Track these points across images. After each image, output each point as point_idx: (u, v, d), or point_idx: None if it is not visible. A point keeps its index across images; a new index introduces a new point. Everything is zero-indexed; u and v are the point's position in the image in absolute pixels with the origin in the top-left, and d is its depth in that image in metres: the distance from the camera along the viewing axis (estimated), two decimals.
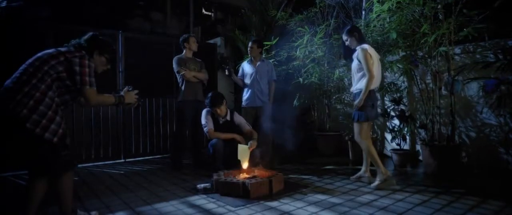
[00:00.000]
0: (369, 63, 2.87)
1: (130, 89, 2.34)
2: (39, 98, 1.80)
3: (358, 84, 3.00)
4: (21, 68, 1.89)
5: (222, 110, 3.55)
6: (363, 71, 2.93)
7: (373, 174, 3.14)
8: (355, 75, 3.06)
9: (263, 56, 4.44)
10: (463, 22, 3.24)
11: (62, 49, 1.99)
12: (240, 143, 3.51)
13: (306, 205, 2.50)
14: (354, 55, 3.04)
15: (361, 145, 3.07)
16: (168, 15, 10.30)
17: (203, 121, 3.61)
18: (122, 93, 2.28)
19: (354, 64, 3.05)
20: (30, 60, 1.91)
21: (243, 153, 3.19)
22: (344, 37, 3.12)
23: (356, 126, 3.03)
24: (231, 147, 3.53)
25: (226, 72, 4.05)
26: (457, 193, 2.69)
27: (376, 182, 2.94)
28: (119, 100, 2.20)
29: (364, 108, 2.94)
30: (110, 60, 2.22)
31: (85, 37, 2.12)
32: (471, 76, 3.52)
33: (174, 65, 3.87)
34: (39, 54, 1.94)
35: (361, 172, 3.21)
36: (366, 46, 2.96)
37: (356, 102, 2.96)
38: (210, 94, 3.57)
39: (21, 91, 1.78)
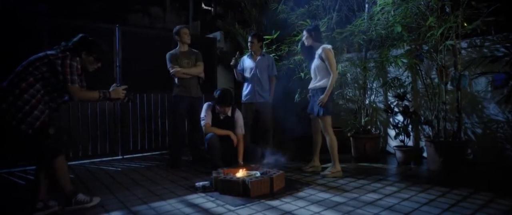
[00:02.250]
0: (333, 63, 3.13)
1: (118, 85, 2.49)
2: (18, 94, 2.04)
3: (322, 82, 3.22)
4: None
5: (227, 110, 3.47)
6: (326, 70, 3.17)
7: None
8: (318, 73, 3.25)
9: (264, 50, 4.33)
10: (471, 15, 3.13)
11: (49, 52, 2.20)
12: (234, 141, 3.44)
13: (308, 204, 2.41)
14: (317, 54, 3.23)
15: (328, 138, 3.28)
16: (167, 10, 10.19)
17: (202, 114, 3.52)
18: (110, 89, 2.45)
19: (317, 62, 3.24)
20: (23, 63, 2.16)
21: None
22: (304, 33, 3.34)
23: (323, 120, 3.25)
24: (228, 143, 3.45)
25: (232, 62, 3.94)
26: (464, 192, 2.61)
27: (327, 171, 3.25)
28: (103, 96, 2.38)
29: (327, 103, 3.18)
30: (98, 59, 2.39)
31: (74, 39, 2.31)
32: (477, 71, 3.42)
33: (167, 62, 3.75)
34: (30, 58, 2.18)
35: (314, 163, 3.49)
36: (329, 46, 3.23)
37: (321, 98, 3.16)
38: (221, 90, 3.46)
39: (7, 90, 2.05)
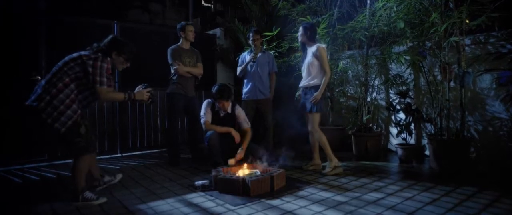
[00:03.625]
0: (326, 61, 3.22)
1: (143, 87, 2.58)
2: (54, 94, 2.18)
3: (315, 80, 3.24)
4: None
5: (226, 105, 3.41)
6: (319, 68, 3.23)
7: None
8: (312, 71, 3.26)
9: (264, 47, 4.28)
10: (475, 10, 3.07)
11: (83, 52, 2.31)
12: (235, 138, 3.36)
13: (309, 203, 2.37)
14: (312, 52, 3.24)
15: (315, 135, 3.32)
16: (167, 7, 10.11)
17: (202, 111, 3.46)
18: (135, 91, 2.57)
19: (310, 60, 3.25)
20: (58, 63, 2.29)
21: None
22: (300, 30, 3.36)
23: (313, 117, 3.28)
24: (228, 141, 3.39)
25: (253, 57, 3.83)
26: (468, 191, 2.56)
27: (327, 169, 3.23)
28: (128, 97, 2.48)
29: (320, 100, 3.23)
30: (128, 59, 2.50)
31: (106, 39, 2.42)
32: (481, 68, 3.37)
33: (168, 57, 3.68)
34: (65, 58, 2.30)
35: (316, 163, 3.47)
36: (324, 45, 3.33)
37: (315, 95, 3.19)
38: (218, 85, 3.41)
39: (44, 88, 2.19)
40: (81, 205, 2.37)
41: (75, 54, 2.30)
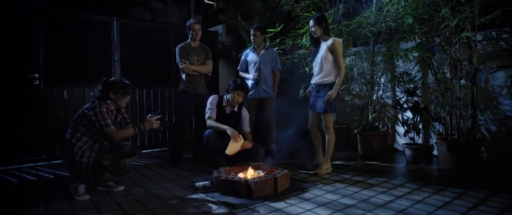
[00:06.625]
0: (342, 56, 3.05)
1: (152, 116, 2.68)
2: (70, 150, 2.45)
3: (329, 77, 3.07)
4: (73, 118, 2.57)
5: (240, 99, 3.29)
6: (333, 64, 3.05)
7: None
8: (325, 66, 3.08)
9: (267, 44, 4.16)
10: (488, 4, 2.94)
11: (85, 106, 2.53)
12: (232, 138, 3.14)
13: (315, 206, 2.26)
14: (327, 45, 3.06)
15: (329, 136, 3.17)
16: (168, 4, 10.01)
17: (207, 107, 3.35)
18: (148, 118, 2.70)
19: (324, 54, 3.07)
20: (74, 116, 2.57)
21: (233, 147, 3.10)
22: (311, 23, 3.15)
23: (327, 117, 3.13)
24: (227, 141, 3.26)
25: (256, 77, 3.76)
26: (481, 194, 2.45)
27: (320, 169, 3.14)
28: (139, 130, 2.62)
29: (334, 99, 3.06)
30: (124, 93, 2.60)
31: (98, 86, 2.56)
32: (494, 65, 3.24)
33: (176, 55, 3.63)
34: (74, 116, 2.56)
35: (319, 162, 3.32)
36: (340, 39, 3.12)
37: (330, 93, 3.02)
38: (241, 80, 3.38)
39: (65, 145, 2.51)
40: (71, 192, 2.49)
41: (80, 111, 2.53)
